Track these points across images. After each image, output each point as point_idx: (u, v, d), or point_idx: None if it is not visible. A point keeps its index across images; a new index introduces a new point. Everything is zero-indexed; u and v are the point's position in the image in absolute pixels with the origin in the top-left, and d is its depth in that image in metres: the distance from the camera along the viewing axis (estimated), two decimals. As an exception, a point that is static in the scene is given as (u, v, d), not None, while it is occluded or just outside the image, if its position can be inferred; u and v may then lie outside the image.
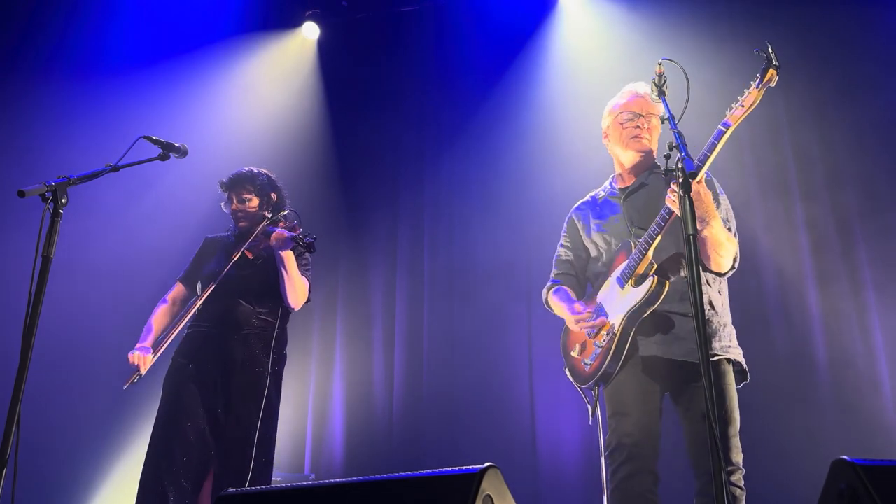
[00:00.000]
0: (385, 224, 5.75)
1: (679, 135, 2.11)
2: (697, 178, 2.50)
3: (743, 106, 2.52)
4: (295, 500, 1.81)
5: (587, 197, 3.13)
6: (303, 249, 3.23)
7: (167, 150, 2.90)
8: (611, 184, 3.06)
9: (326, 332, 5.71)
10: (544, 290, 3.12)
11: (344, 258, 5.75)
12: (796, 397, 4.27)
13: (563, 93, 5.42)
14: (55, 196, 2.31)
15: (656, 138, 2.93)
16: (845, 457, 1.51)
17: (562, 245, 3.14)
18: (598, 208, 3.02)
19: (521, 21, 5.73)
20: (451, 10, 5.91)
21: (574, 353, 2.91)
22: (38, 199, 2.31)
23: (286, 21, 6.14)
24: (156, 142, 2.92)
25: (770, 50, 2.46)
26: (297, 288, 3.36)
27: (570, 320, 2.88)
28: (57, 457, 4.82)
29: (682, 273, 2.69)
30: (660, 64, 2.34)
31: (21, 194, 2.27)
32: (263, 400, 3.22)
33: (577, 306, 2.85)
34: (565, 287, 3.04)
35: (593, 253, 2.97)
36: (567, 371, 2.96)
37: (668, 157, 2.07)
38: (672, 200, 2.50)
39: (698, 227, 2.53)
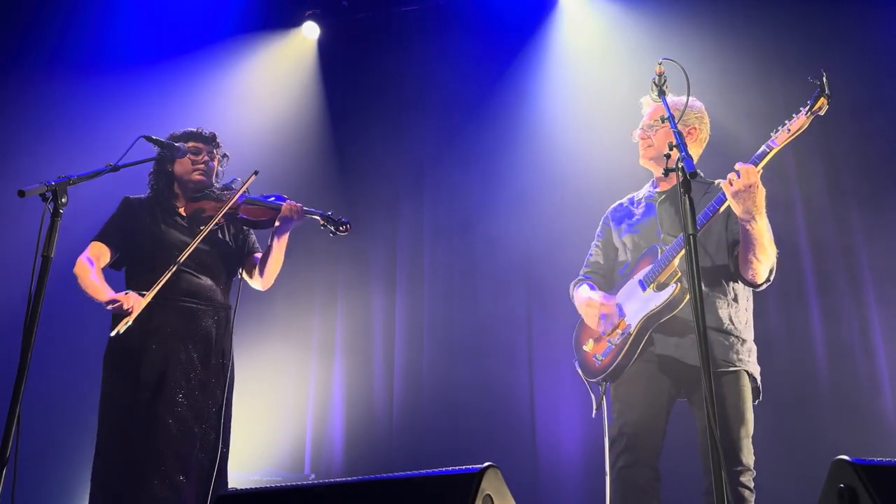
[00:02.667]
0: (385, 223, 5.75)
1: (679, 135, 2.12)
2: (758, 168, 2.52)
3: (790, 130, 2.55)
4: (295, 499, 1.81)
5: (625, 198, 3.14)
6: (333, 229, 3.08)
7: (167, 150, 2.90)
8: (652, 185, 3.06)
9: (326, 332, 5.70)
10: (571, 286, 3.14)
11: (344, 257, 5.75)
12: (796, 397, 4.27)
13: (564, 92, 5.42)
14: (55, 196, 2.31)
15: (696, 151, 2.90)
16: (845, 456, 1.51)
17: (594, 245, 3.16)
18: (635, 209, 3.02)
19: (522, 21, 5.72)
20: (452, 9, 5.91)
21: (586, 348, 2.92)
22: (38, 198, 2.31)
23: (286, 21, 6.13)
24: (155, 142, 2.92)
25: (824, 79, 2.48)
26: (277, 269, 3.19)
27: (587, 305, 2.88)
28: (57, 457, 4.82)
29: (704, 284, 2.69)
30: (660, 64, 2.34)
31: (21, 194, 2.27)
32: (229, 381, 3.04)
33: (600, 294, 2.88)
34: (592, 284, 3.05)
35: (621, 255, 2.99)
36: (577, 364, 2.98)
37: (667, 156, 2.07)
38: (728, 185, 2.51)
39: (745, 220, 2.55)
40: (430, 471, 1.66)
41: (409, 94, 5.96)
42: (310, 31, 6.13)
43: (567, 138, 5.21)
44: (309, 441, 5.48)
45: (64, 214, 2.32)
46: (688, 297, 2.62)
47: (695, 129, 2.90)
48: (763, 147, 2.58)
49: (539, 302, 5.15)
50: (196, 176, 3.17)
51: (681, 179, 1.99)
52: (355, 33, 6.17)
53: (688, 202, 1.96)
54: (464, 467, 1.60)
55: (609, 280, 3.06)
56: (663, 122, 2.32)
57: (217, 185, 3.25)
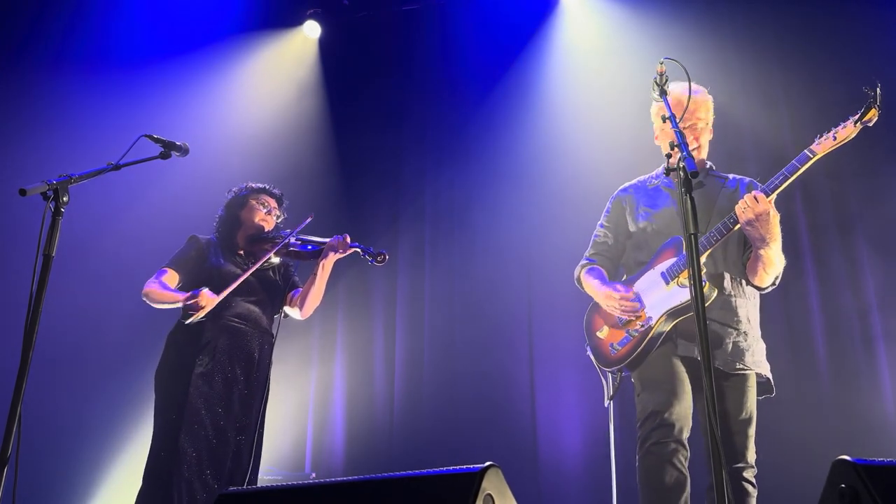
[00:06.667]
0: (386, 223, 5.75)
1: (680, 134, 2.11)
2: (769, 199, 2.54)
3: (836, 139, 2.54)
4: (296, 498, 1.81)
5: (635, 181, 3.08)
6: (371, 259, 3.40)
7: (168, 148, 2.89)
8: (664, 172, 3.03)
9: (327, 332, 5.70)
10: (577, 268, 3.07)
11: (344, 257, 5.74)
12: (797, 397, 4.26)
13: (565, 92, 5.41)
14: (56, 195, 2.31)
15: (706, 140, 2.91)
16: (846, 456, 1.51)
17: (602, 226, 3.08)
18: (649, 195, 2.97)
19: (523, 20, 5.72)
20: (452, 8, 5.91)
21: (600, 335, 2.89)
22: (40, 197, 2.31)
23: (288, 20, 6.14)
24: (157, 140, 2.91)
25: (878, 90, 2.45)
26: (319, 298, 3.49)
27: (606, 297, 2.83)
28: (57, 457, 4.82)
29: (726, 284, 2.73)
30: (661, 63, 2.34)
31: (22, 193, 2.27)
32: (264, 401, 3.31)
33: (619, 287, 2.82)
34: (599, 268, 2.99)
35: (637, 239, 2.93)
36: (588, 350, 2.94)
37: (668, 156, 2.06)
38: (741, 210, 2.54)
39: (757, 245, 2.60)
40: (430, 470, 1.66)
41: (410, 92, 5.96)
42: (311, 30, 6.14)
43: (569, 137, 5.21)
44: (310, 440, 5.48)
45: (65, 213, 2.32)
46: (715, 294, 2.65)
47: (708, 122, 2.90)
48: (805, 152, 2.58)
49: (540, 302, 5.14)
50: (260, 225, 3.52)
51: (682, 179, 1.98)
52: (356, 32, 6.17)
53: (689, 202, 1.96)
54: (465, 467, 1.60)
55: (616, 263, 3.01)
56: (664, 121, 2.29)
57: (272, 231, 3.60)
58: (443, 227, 5.62)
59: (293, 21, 6.13)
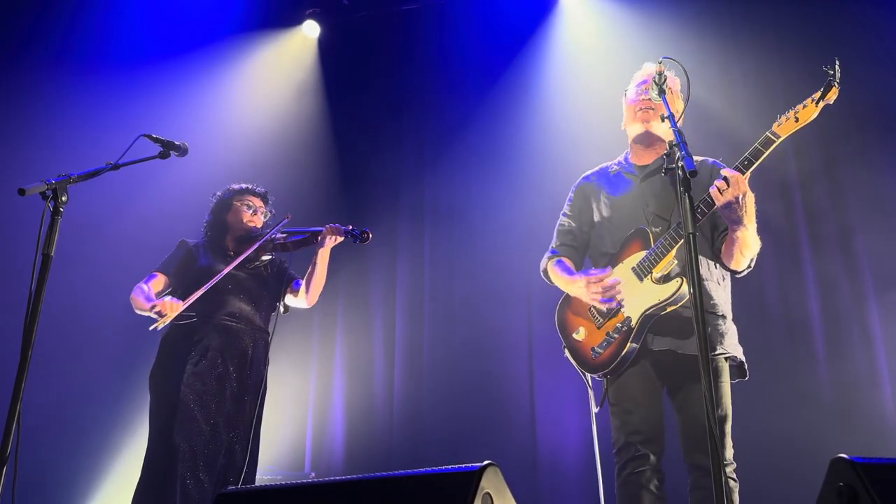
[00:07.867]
0: (385, 222, 5.75)
1: (679, 133, 2.11)
2: (745, 176, 2.48)
3: (797, 120, 2.47)
4: (295, 497, 1.81)
5: (597, 168, 3.01)
6: (353, 239, 3.44)
7: (167, 148, 2.89)
8: (625, 159, 2.93)
9: (327, 331, 5.71)
10: (543, 260, 2.98)
11: (344, 256, 5.75)
12: (796, 396, 4.26)
13: (564, 91, 5.42)
14: (55, 194, 2.31)
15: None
16: (844, 455, 1.51)
17: (565, 214, 3.00)
18: (611, 182, 2.89)
19: (522, 19, 5.73)
20: (452, 8, 5.91)
21: (577, 336, 2.79)
22: (39, 197, 2.31)
23: (287, 19, 6.15)
24: (156, 140, 2.91)
25: (837, 67, 2.40)
26: (322, 283, 3.53)
27: (579, 286, 2.72)
28: (57, 456, 4.82)
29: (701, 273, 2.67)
30: (660, 63, 2.33)
31: (21, 192, 2.27)
32: (259, 398, 3.34)
33: (593, 271, 2.71)
34: (565, 259, 2.91)
35: (601, 229, 2.85)
36: (566, 351, 2.84)
37: (668, 155, 2.06)
38: (717, 194, 2.43)
39: (733, 228, 2.51)
40: (429, 469, 1.66)
41: (409, 92, 5.96)
42: (310, 30, 6.15)
43: (568, 136, 5.21)
44: (309, 439, 5.48)
45: (64, 213, 2.32)
46: (690, 289, 2.59)
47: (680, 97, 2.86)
48: (767, 135, 2.50)
49: (539, 301, 5.14)
50: (247, 227, 3.56)
51: (681, 178, 1.98)
52: (356, 32, 6.18)
53: (688, 201, 1.95)
54: (463, 465, 1.60)
55: (582, 254, 2.94)
56: (663, 120, 2.28)
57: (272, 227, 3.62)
58: (443, 227, 5.62)
59: (292, 21, 6.14)
